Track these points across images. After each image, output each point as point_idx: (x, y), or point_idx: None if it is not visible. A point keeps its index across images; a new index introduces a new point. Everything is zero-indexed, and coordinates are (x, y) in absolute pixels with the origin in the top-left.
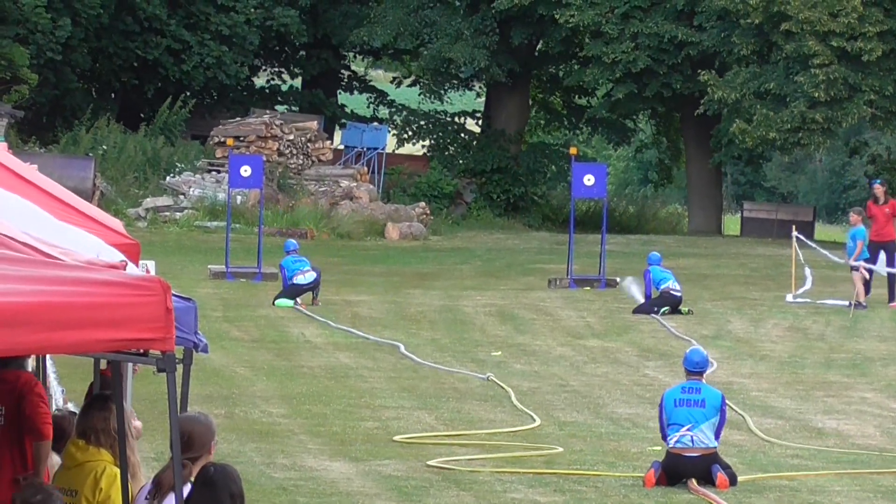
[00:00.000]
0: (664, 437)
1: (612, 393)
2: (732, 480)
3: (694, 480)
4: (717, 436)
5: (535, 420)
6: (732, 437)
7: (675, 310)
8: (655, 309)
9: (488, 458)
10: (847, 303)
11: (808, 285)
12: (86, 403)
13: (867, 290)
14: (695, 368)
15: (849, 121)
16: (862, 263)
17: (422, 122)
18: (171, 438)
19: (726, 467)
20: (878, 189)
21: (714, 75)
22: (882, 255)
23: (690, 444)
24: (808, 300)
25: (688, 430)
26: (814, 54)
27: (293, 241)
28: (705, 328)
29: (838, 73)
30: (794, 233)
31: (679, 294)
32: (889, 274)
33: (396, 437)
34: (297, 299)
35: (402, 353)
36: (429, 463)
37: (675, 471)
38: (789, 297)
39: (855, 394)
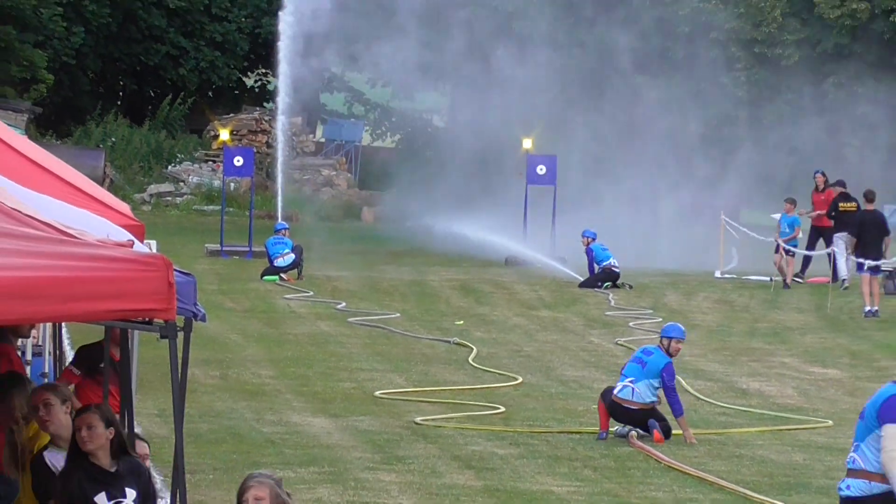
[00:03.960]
0: None
1: (561, 358)
2: (667, 434)
3: (634, 435)
4: (669, 396)
5: (516, 377)
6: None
7: (614, 284)
8: (599, 284)
9: (464, 416)
10: (769, 278)
11: (734, 263)
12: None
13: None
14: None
15: (770, 118)
16: (783, 244)
17: (393, 119)
18: (173, 398)
19: (661, 420)
20: (819, 179)
21: (648, 79)
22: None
23: (630, 396)
24: (734, 276)
25: (630, 381)
26: (738, 59)
27: (283, 222)
28: (644, 300)
29: (759, 76)
30: (723, 216)
31: (618, 270)
32: (805, 256)
33: (377, 393)
34: (283, 275)
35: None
36: (417, 420)
37: (616, 416)
38: (718, 274)
39: (776, 359)
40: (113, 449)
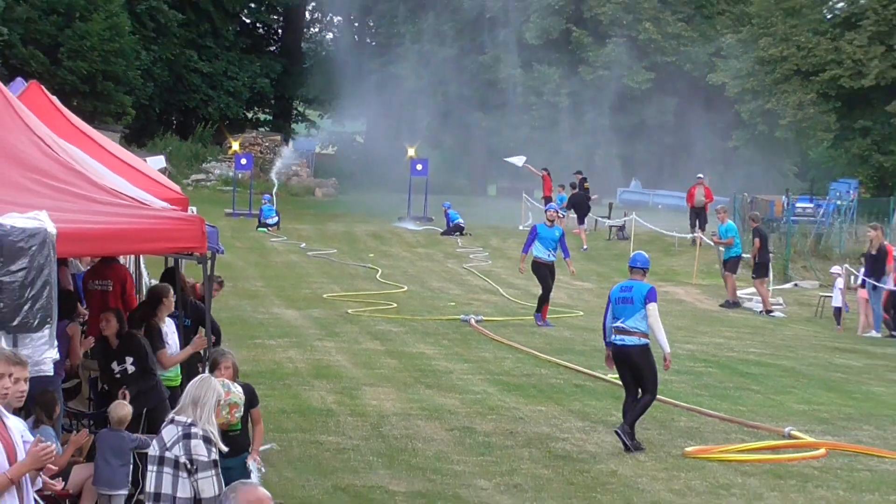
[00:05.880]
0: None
1: (430, 276)
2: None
3: (473, 320)
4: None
5: (403, 287)
6: (491, 299)
7: (461, 233)
8: (452, 233)
9: (381, 313)
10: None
11: (529, 221)
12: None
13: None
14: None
15: (554, 135)
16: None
17: (333, 138)
18: (205, 298)
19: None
20: (544, 173)
21: (482, 115)
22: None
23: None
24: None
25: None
26: (532, 106)
27: (269, 195)
28: (478, 243)
29: (543, 113)
30: (524, 195)
31: (464, 225)
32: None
33: (324, 296)
34: (269, 228)
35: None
36: (347, 311)
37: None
38: (521, 227)
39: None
40: (119, 333)
